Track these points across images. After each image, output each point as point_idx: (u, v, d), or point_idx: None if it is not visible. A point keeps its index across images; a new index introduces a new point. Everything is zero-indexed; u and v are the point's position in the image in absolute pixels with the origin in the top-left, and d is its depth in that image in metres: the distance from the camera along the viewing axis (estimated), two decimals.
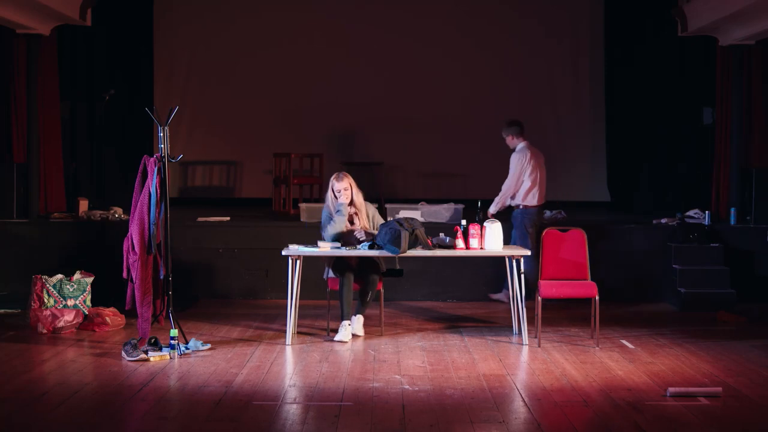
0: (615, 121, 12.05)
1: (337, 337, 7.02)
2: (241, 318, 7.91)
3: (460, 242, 6.98)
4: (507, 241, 7.90)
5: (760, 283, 8.89)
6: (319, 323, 7.60)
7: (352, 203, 7.26)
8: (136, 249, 6.66)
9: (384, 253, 6.87)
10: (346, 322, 7.09)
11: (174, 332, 6.39)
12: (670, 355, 6.59)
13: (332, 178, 7.31)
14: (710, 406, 5.29)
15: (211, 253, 8.97)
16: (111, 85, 11.00)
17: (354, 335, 7.16)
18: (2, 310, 8.04)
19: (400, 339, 7.11)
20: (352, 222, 7.25)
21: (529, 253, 7.15)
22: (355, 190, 7.29)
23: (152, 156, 6.77)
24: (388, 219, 7.63)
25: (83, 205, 9.55)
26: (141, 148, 10.34)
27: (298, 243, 7.17)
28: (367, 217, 7.30)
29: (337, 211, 7.17)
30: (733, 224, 9.26)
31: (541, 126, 12.21)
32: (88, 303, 7.59)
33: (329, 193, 7.27)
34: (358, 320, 7.23)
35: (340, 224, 7.15)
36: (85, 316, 7.43)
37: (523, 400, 5.41)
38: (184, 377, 5.87)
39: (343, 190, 7.20)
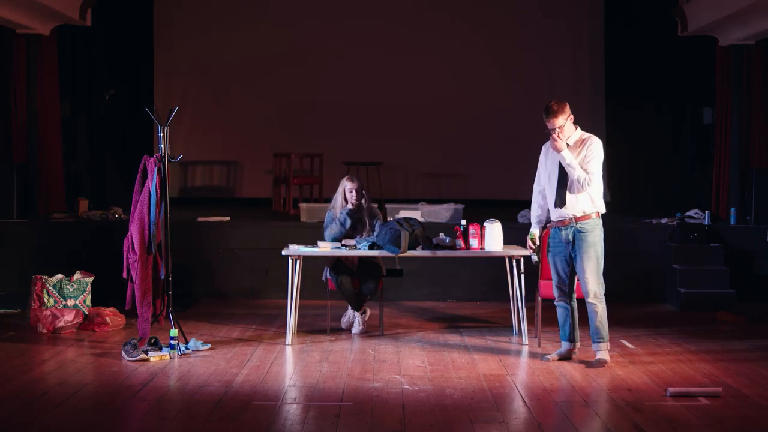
0: (614, 120, 12.04)
1: (354, 330, 7.24)
2: (241, 318, 7.91)
3: (460, 242, 6.98)
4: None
5: (760, 283, 8.88)
6: (319, 323, 7.59)
7: (360, 208, 7.24)
8: (136, 249, 6.65)
9: (384, 253, 6.87)
10: (357, 314, 7.25)
11: (174, 332, 6.38)
12: (670, 355, 6.59)
13: (345, 179, 7.30)
14: (710, 406, 5.28)
15: (211, 253, 8.96)
16: (111, 85, 10.99)
17: (354, 334, 7.23)
18: (2, 310, 8.04)
19: (400, 339, 7.11)
20: (355, 228, 7.24)
21: (528, 253, 7.05)
22: (366, 197, 7.30)
23: (152, 156, 6.76)
24: (388, 219, 7.62)
25: (83, 205, 9.55)
26: (141, 148, 10.31)
27: (298, 243, 7.16)
28: (371, 227, 7.26)
29: (342, 215, 7.17)
30: (733, 224, 9.26)
31: (541, 126, 12.20)
32: (88, 303, 7.58)
33: (339, 196, 7.25)
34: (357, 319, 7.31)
35: (342, 228, 7.16)
36: (85, 316, 7.43)
37: (523, 400, 5.41)
38: (184, 377, 5.87)
39: (355, 190, 7.20)
